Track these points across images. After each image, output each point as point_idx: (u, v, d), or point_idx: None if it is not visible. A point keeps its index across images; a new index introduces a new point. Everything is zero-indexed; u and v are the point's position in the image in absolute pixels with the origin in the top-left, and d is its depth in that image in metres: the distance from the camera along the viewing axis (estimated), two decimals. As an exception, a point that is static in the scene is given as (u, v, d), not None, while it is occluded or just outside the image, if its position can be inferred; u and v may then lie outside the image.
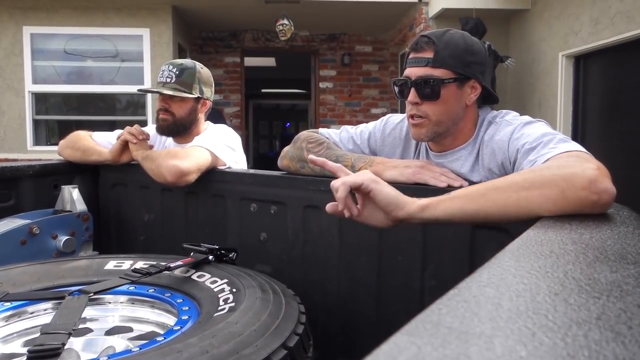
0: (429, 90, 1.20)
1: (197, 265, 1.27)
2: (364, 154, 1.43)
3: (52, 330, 0.91)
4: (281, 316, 0.98)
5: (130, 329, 1.15)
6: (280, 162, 1.57)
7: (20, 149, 5.67)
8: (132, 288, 1.20)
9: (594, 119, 4.46)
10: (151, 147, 1.89)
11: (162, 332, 1.05)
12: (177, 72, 1.85)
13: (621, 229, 0.73)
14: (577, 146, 0.97)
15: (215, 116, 4.85)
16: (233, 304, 1.02)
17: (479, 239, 1.18)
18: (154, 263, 1.27)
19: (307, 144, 1.47)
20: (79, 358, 1.05)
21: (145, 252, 1.69)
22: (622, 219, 0.80)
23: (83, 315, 1.04)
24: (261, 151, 13.77)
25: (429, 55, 1.21)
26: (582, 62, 4.54)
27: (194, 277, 1.22)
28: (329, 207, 0.99)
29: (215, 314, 0.99)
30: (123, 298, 1.21)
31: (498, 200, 0.84)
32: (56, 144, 2.25)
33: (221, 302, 1.05)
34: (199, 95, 1.88)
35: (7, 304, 1.12)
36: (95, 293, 1.12)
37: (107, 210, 2.01)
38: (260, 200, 1.60)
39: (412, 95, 1.22)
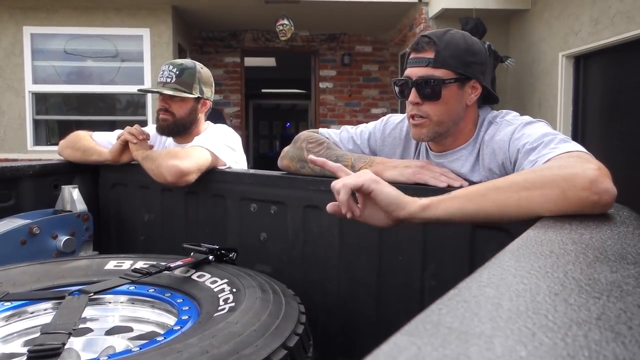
0: (429, 90, 1.20)
1: (197, 265, 1.27)
2: (364, 154, 1.43)
3: (52, 330, 0.91)
4: (281, 316, 0.98)
5: (130, 329, 1.15)
6: (280, 162, 1.57)
7: (20, 149, 5.67)
8: (132, 288, 1.20)
9: (594, 119, 4.46)
10: (151, 147, 1.89)
11: (162, 332, 1.05)
12: (177, 72, 1.85)
13: (621, 229, 0.73)
14: (577, 146, 0.97)
15: (215, 116, 4.85)
16: (233, 304, 1.02)
17: (479, 239, 1.18)
18: (154, 263, 1.27)
19: (307, 144, 1.47)
20: (79, 358, 1.05)
21: (145, 252, 1.69)
22: (622, 219, 0.80)
23: (83, 315, 1.04)
24: (261, 151, 13.78)
25: (430, 55, 1.21)
26: (582, 62, 4.54)
27: (194, 277, 1.22)
28: (329, 207, 0.99)
29: (215, 314, 0.99)
30: (123, 298, 1.21)
31: (498, 200, 0.84)
32: (56, 144, 2.25)
33: (221, 302, 1.05)
34: (199, 95, 1.88)
35: (7, 304, 1.12)
36: (95, 293, 1.12)
37: (107, 210, 2.01)
38: (260, 200, 1.60)
39: (413, 95, 1.22)
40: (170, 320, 1.13)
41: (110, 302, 1.21)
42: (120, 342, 1.10)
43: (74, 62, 5.85)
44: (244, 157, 1.91)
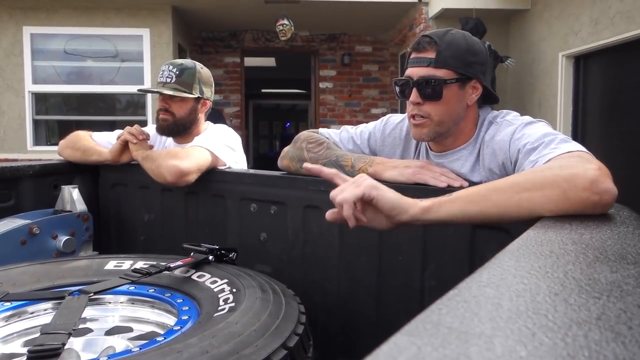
0: (431, 90, 1.20)
1: (197, 266, 1.27)
2: (364, 154, 1.43)
3: (52, 330, 0.91)
4: (281, 316, 0.98)
5: (130, 329, 1.15)
6: (280, 162, 1.57)
7: (20, 149, 5.67)
8: (132, 288, 1.20)
9: (594, 119, 4.46)
10: (151, 147, 1.89)
11: (162, 332, 1.05)
12: (177, 72, 1.85)
13: (621, 229, 0.73)
14: (578, 146, 0.97)
15: (215, 116, 4.85)
16: (233, 304, 1.02)
17: (479, 239, 1.18)
18: (154, 263, 1.27)
19: (307, 144, 1.47)
20: (79, 358, 1.05)
21: (145, 252, 1.69)
22: (622, 219, 0.80)
23: (83, 315, 1.04)
24: (261, 151, 13.78)
25: (431, 55, 1.20)
26: (582, 62, 4.54)
27: (194, 277, 1.22)
28: (329, 215, 0.96)
29: (215, 314, 0.99)
30: (123, 298, 1.21)
31: (499, 202, 0.84)
32: (56, 144, 2.25)
33: (221, 302, 1.05)
34: (199, 95, 1.88)
35: (7, 304, 1.12)
36: (95, 293, 1.12)
37: (107, 210, 2.01)
38: (260, 200, 1.60)
39: (414, 95, 1.22)
40: (170, 320, 1.13)
41: (110, 302, 1.21)
42: (120, 343, 1.10)
43: (74, 62, 5.85)
44: (244, 157, 1.91)
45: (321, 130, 1.54)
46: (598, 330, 0.35)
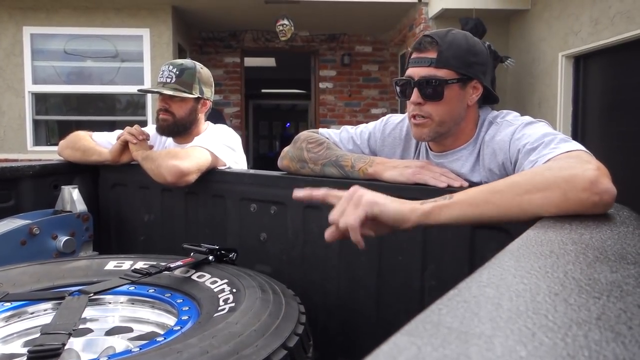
0: (432, 90, 1.20)
1: (197, 266, 1.27)
2: (363, 154, 1.43)
3: (52, 331, 0.91)
4: (281, 316, 0.98)
5: (130, 329, 1.15)
6: (280, 163, 1.57)
7: (20, 149, 5.67)
8: (132, 288, 1.20)
9: (594, 119, 4.46)
10: (151, 147, 1.89)
11: (162, 332, 1.05)
12: (177, 72, 1.85)
13: (621, 229, 0.73)
14: (578, 146, 0.97)
15: (215, 116, 4.85)
16: (233, 304, 1.02)
17: (479, 239, 1.18)
18: (154, 263, 1.27)
19: (307, 144, 1.47)
20: (79, 358, 1.05)
21: (145, 253, 1.69)
22: (622, 219, 0.80)
23: (83, 316, 1.04)
24: (261, 151, 13.78)
25: (432, 55, 1.20)
26: (582, 62, 4.54)
27: (194, 277, 1.22)
28: (329, 236, 0.92)
29: (215, 314, 0.99)
30: (123, 298, 1.21)
31: (500, 204, 0.84)
32: (56, 144, 2.25)
33: (221, 303, 1.05)
34: (199, 96, 1.88)
35: (7, 304, 1.12)
36: (95, 293, 1.12)
37: (107, 210, 2.01)
38: (260, 201, 1.60)
39: (415, 95, 1.22)
40: (170, 320, 1.13)
41: (110, 303, 1.21)
42: (120, 343, 1.10)
43: (73, 63, 5.85)
44: (243, 157, 1.91)
45: (321, 130, 1.54)
46: (598, 330, 0.35)
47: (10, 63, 5.63)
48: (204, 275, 1.22)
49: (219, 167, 1.74)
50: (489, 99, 1.32)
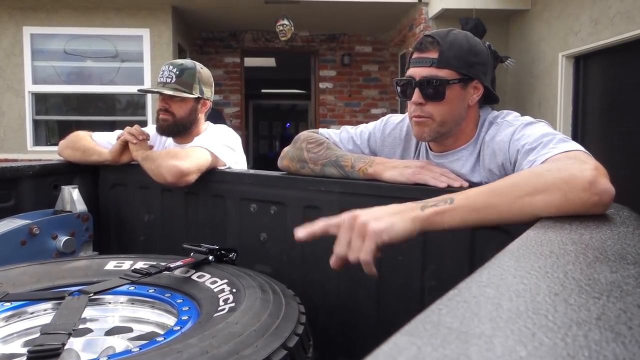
0: (433, 90, 1.20)
1: (197, 266, 1.27)
2: (363, 154, 1.43)
3: (52, 331, 0.91)
4: (281, 316, 0.98)
5: (130, 329, 1.15)
6: (280, 163, 1.57)
7: (20, 149, 5.67)
8: (132, 288, 1.20)
9: (594, 119, 4.46)
10: (151, 147, 1.89)
11: (162, 332, 1.05)
12: (177, 72, 1.85)
13: (621, 229, 0.73)
14: (576, 146, 0.97)
15: (215, 116, 4.85)
16: (233, 304, 1.02)
17: (479, 239, 1.18)
18: (154, 263, 1.27)
19: (307, 144, 1.47)
20: (79, 358, 1.05)
21: (145, 253, 1.69)
22: (622, 219, 0.80)
23: (83, 316, 1.04)
24: (261, 151, 13.78)
25: (434, 55, 1.20)
26: (582, 62, 4.54)
27: (194, 277, 1.22)
28: (335, 264, 0.88)
29: (215, 315, 0.99)
30: (123, 298, 1.21)
31: (502, 209, 0.83)
32: (56, 144, 2.25)
33: (221, 303, 1.05)
34: (199, 96, 1.88)
35: (7, 304, 1.12)
36: (95, 293, 1.12)
37: (107, 210, 2.01)
38: (260, 201, 1.60)
39: (416, 95, 1.22)
40: (170, 320, 1.13)
41: (110, 303, 1.21)
42: (120, 343, 1.10)
43: (73, 63, 5.85)
44: (243, 157, 1.91)
45: (321, 130, 1.54)
46: (598, 330, 0.35)
47: (10, 63, 5.64)
48: (204, 276, 1.22)
49: (219, 167, 1.74)
50: (489, 99, 1.32)
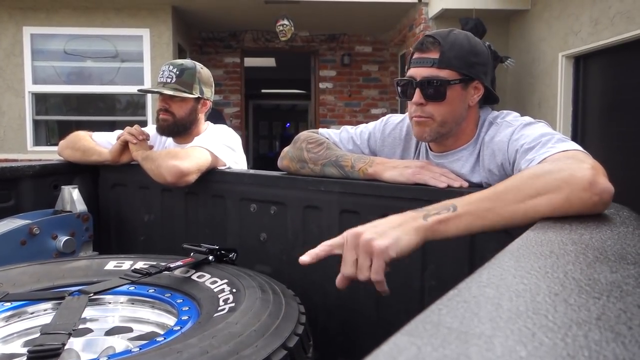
0: (434, 91, 1.20)
1: (197, 266, 1.27)
2: (363, 155, 1.43)
3: (52, 331, 0.91)
4: (281, 316, 0.98)
5: (130, 329, 1.15)
6: (280, 163, 1.57)
7: (20, 149, 5.67)
8: (132, 288, 1.20)
9: (594, 119, 4.46)
10: (151, 147, 1.89)
11: (162, 332, 1.05)
12: (177, 73, 1.85)
13: (621, 229, 0.73)
14: (574, 145, 0.97)
15: (215, 116, 4.85)
16: (233, 305, 1.02)
17: (479, 239, 1.18)
18: (154, 263, 1.27)
19: (307, 144, 1.47)
20: (79, 358, 1.05)
21: (145, 253, 1.69)
22: (622, 219, 0.80)
23: (83, 316, 1.04)
24: (261, 151, 13.78)
25: (435, 55, 1.20)
26: (582, 63, 4.54)
27: (194, 277, 1.22)
28: (341, 284, 0.89)
29: (215, 315, 0.99)
30: (123, 298, 1.21)
31: (506, 214, 0.83)
32: (56, 144, 2.25)
33: (221, 303, 1.05)
34: (199, 96, 1.88)
35: (7, 304, 1.12)
36: (95, 293, 1.12)
37: (107, 210, 2.01)
38: (260, 201, 1.60)
39: (417, 96, 1.22)
40: (170, 320, 1.13)
41: (110, 303, 1.21)
42: (120, 343, 1.10)
43: (73, 63, 5.85)
44: (243, 157, 1.91)
45: (321, 130, 1.54)
46: (598, 330, 0.35)
47: (10, 63, 5.64)
48: (204, 276, 1.22)
49: (219, 167, 1.74)
50: (490, 99, 1.32)
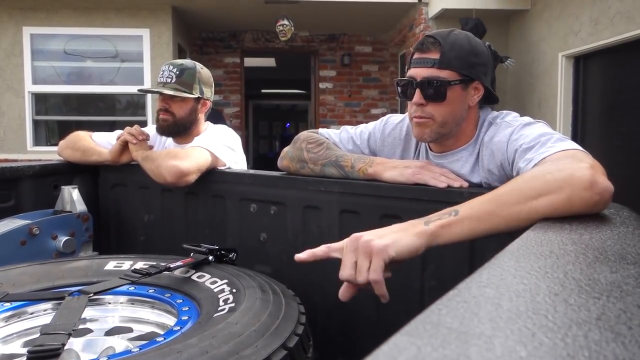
0: (434, 91, 1.20)
1: (197, 266, 1.27)
2: (363, 155, 1.43)
3: (52, 331, 0.91)
4: (281, 317, 0.98)
5: (130, 330, 1.15)
6: (280, 163, 1.57)
7: (20, 149, 5.67)
8: (132, 288, 1.20)
9: (594, 119, 4.46)
10: (151, 147, 1.89)
11: (162, 332, 1.05)
12: (177, 73, 1.85)
13: (621, 229, 0.73)
14: (573, 144, 0.97)
15: (215, 116, 4.85)
16: (233, 305, 1.02)
17: (479, 240, 1.18)
18: (154, 263, 1.27)
19: (306, 145, 1.47)
20: (78, 358, 1.05)
21: (145, 253, 1.69)
22: (622, 219, 0.80)
23: (83, 316, 1.04)
24: (261, 152, 13.78)
25: (435, 56, 1.20)
26: (582, 63, 4.54)
27: (194, 277, 1.22)
28: (344, 295, 0.87)
29: (215, 315, 0.99)
30: (123, 298, 1.21)
31: (508, 217, 0.83)
32: (56, 144, 2.25)
33: (221, 303, 1.05)
34: (199, 96, 1.88)
35: (7, 305, 1.12)
36: (95, 293, 1.12)
37: (107, 210, 2.01)
38: (260, 201, 1.60)
39: (418, 96, 1.21)
40: (170, 320, 1.13)
41: (110, 303, 1.21)
42: (120, 343, 1.10)
43: (73, 63, 5.85)
44: (243, 157, 1.91)
45: (321, 130, 1.54)
46: (598, 330, 0.35)
47: (10, 63, 5.63)
48: (204, 276, 1.22)
49: (219, 167, 1.74)
50: (489, 100, 1.32)
